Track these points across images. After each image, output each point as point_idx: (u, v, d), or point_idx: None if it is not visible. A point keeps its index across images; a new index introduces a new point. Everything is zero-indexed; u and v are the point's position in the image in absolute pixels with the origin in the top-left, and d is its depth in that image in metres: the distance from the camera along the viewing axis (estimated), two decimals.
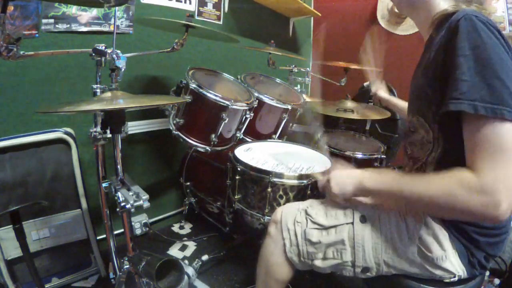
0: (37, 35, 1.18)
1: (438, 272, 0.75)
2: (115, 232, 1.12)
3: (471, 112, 0.56)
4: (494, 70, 0.56)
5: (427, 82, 0.71)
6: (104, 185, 1.00)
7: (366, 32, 2.31)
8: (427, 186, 0.63)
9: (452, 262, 0.73)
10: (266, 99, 1.40)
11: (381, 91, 1.41)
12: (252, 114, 1.35)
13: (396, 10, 2.08)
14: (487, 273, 1.28)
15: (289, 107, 1.42)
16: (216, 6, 1.83)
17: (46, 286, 1.18)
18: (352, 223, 0.80)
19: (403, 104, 1.27)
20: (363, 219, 0.80)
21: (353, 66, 1.68)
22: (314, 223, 0.83)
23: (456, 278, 0.75)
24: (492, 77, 0.56)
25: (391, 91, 1.78)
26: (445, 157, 0.72)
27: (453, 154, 0.70)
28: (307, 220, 0.84)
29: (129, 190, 0.94)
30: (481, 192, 0.55)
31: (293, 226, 0.84)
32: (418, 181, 0.65)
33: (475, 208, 0.56)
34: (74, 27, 1.27)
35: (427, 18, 0.75)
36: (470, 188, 0.56)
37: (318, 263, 0.83)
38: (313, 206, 0.87)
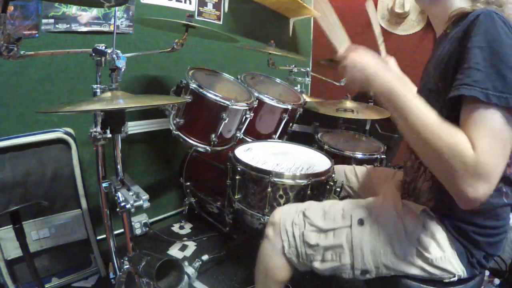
0: (37, 35, 1.18)
1: (437, 273, 0.75)
2: (115, 232, 1.13)
3: (483, 99, 0.55)
4: (508, 63, 0.56)
5: (439, 75, 0.71)
6: (104, 185, 1.01)
7: (366, 32, 2.30)
8: (428, 127, 0.60)
9: (452, 263, 0.74)
10: (266, 99, 1.40)
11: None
12: (252, 114, 1.35)
13: (398, 10, 2.08)
14: (487, 273, 1.29)
15: (289, 107, 1.42)
16: (216, 6, 1.83)
17: (46, 286, 1.18)
18: (350, 226, 0.80)
19: None
20: (361, 222, 0.80)
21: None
22: (312, 225, 0.83)
23: (456, 278, 0.75)
24: (505, 68, 0.56)
25: None
26: None
27: None
28: (305, 222, 0.84)
29: (129, 190, 0.94)
30: (474, 169, 0.55)
31: (291, 228, 0.84)
32: (424, 113, 0.61)
33: (458, 177, 0.56)
34: (74, 27, 1.27)
35: (444, 14, 0.76)
36: (464, 158, 0.55)
37: (317, 265, 0.83)
38: (311, 208, 0.87)
